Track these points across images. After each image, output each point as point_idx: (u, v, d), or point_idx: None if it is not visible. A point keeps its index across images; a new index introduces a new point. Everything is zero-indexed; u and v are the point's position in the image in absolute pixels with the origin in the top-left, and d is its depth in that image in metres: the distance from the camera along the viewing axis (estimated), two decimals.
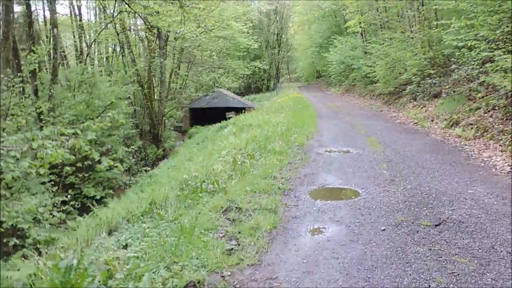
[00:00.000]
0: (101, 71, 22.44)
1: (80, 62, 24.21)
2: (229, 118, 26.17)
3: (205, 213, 5.97)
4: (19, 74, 16.83)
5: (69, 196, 16.46)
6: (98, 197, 16.35)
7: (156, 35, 25.83)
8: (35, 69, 17.71)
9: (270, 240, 5.05)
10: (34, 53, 14.10)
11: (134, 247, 4.91)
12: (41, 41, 17.93)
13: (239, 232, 5.24)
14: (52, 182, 16.14)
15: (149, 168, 19.73)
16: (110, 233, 6.43)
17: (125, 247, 5.16)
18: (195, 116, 36.25)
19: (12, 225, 10.56)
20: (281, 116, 18.72)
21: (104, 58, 31.13)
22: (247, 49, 38.91)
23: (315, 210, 6.20)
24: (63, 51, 26.28)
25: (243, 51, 38.14)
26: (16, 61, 17.49)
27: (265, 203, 6.29)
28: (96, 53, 31.55)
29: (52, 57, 17.30)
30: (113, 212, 8.45)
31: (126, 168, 21.97)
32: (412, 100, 20.33)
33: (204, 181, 7.80)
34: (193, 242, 4.80)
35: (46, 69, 20.03)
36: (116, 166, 18.29)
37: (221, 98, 33.85)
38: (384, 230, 5.31)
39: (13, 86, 12.76)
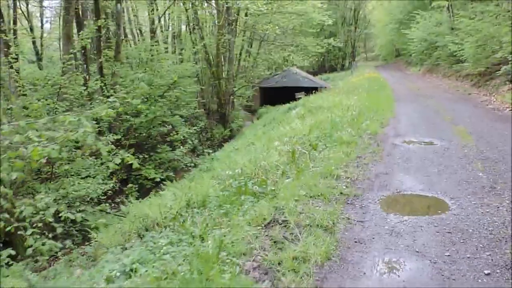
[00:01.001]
0: (166, 48, 21.50)
1: (151, 39, 23.63)
2: (299, 98, 24.53)
3: (242, 226, 4.58)
4: (82, 51, 16.39)
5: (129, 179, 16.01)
6: (157, 179, 15.52)
7: (224, 11, 24.56)
8: (100, 45, 17.17)
9: (319, 280, 3.57)
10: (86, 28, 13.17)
11: (134, 278, 3.65)
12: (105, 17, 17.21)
13: (279, 263, 3.79)
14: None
15: (210, 151, 18.66)
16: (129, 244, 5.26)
17: (131, 273, 3.92)
18: (265, 95, 34.90)
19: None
20: (353, 98, 16.85)
21: (171, 36, 30.40)
22: (321, 25, 36.73)
23: (387, 230, 4.60)
24: (140, 28, 25.80)
25: (316, 28, 36.02)
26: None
27: (321, 216, 4.77)
28: (170, 30, 30.86)
29: (116, 33, 16.57)
30: (150, 208, 7.35)
31: (190, 149, 21.21)
32: (507, 82, 17.61)
33: (252, 178, 6.42)
34: (211, 278, 3.44)
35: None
36: (179, 147, 17.71)
37: (292, 77, 32.13)
38: (489, 274, 3.64)
39: (64, 63, 12.06)
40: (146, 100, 16.38)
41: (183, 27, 30.63)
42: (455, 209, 5.18)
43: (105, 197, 13.49)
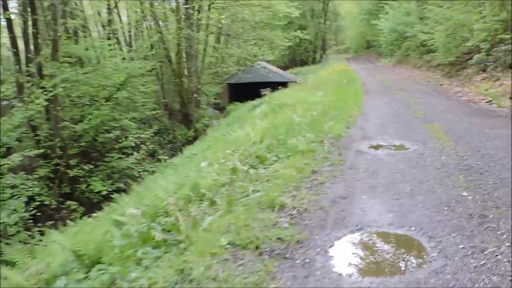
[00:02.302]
0: (112, 44, 19.50)
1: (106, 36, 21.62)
2: (264, 95, 22.89)
3: None
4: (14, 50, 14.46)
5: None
6: (104, 192, 13.71)
7: (182, 3, 22.74)
8: (37, 42, 15.18)
9: None
10: None
11: None
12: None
13: None
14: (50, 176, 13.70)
15: (166, 157, 16.86)
16: None
17: None
18: (234, 92, 33.14)
19: None
20: (319, 93, 15.30)
21: (126, 32, 28.38)
22: (289, 18, 35.08)
23: None
24: (84, 22, 23.65)
25: (284, 21, 34.36)
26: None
27: (241, 285, 3.14)
28: (124, 24, 28.83)
29: (52, 29, 14.63)
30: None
31: (150, 153, 19.41)
32: (480, 72, 16.31)
33: (167, 214, 4.74)
34: None
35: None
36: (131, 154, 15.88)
37: (261, 72, 30.39)
38: None
39: None
40: (90, 103, 14.53)
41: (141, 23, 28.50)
42: (436, 259, 3.59)
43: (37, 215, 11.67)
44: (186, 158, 15.04)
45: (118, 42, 26.32)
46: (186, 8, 23.43)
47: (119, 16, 28.88)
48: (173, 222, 4.47)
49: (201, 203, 5.07)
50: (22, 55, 15.14)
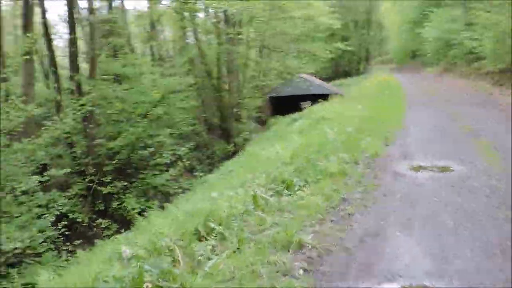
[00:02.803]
0: (152, 60, 19.38)
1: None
2: (303, 108, 22.15)
3: None
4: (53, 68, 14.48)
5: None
6: (137, 209, 13.37)
7: (223, 18, 22.48)
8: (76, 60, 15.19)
9: None
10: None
11: None
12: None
13: None
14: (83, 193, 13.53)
15: (202, 173, 16.42)
16: None
17: None
18: (275, 105, 32.54)
19: None
20: (359, 107, 14.44)
21: (170, 48, 28.44)
22: (331, 30, 34.26)
23: None
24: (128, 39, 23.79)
25: (326, 33, 33.55)
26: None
27: None
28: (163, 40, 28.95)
29: (90, 48, 14.61)
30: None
31: (188, 169, 19.08)
32: None
33: (170, 253, 4.15)
34: None
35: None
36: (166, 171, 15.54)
37: (303, 84, 29.63)
38: None
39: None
40: (125, 120, 14.33)
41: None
42: None
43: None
44: (221, 175, 14.55)
45: (161, 58, 26.43)
46: (226, 22, 23.17)
47: (163, 32, 29.14)
48: (173, 264, 3.87)
49: (210, 238, 4.44)
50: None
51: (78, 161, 13.98)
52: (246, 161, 13.45)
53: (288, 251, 4.02)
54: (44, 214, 10.09)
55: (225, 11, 21.57)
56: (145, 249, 4.16)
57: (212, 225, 4.57)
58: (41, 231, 9.57)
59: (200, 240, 4.41)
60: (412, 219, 4.81)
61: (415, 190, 5.90)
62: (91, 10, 14.42)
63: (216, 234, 4.50)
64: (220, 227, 4.59)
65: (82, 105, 11.03)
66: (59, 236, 11.43)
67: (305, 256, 3.93)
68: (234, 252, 4.08)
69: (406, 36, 41.92)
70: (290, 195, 5.95)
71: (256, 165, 9.08)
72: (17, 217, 9.04)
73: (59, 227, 10.37)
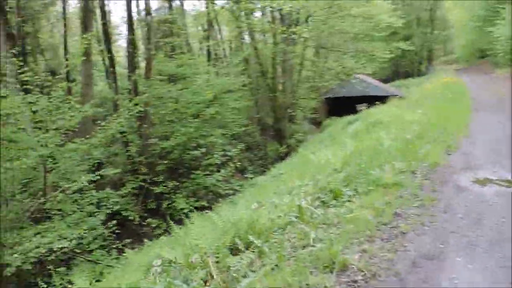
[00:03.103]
0: (208, 60, 19.37)
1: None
2: (360, 110, 21.47)
3: None
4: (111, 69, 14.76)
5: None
6: (186, 209, 13.37)
7: (279, 18, 22.21)
8: (133, 61, 15.46)
9: None
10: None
11: None
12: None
13: None
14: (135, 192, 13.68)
15: (251, 175, 16.24)
16: None
17: None
18: (331, 107, 31.92)
19: None
20: (419, 111, 13.69)
21: (227, 48, 28.49)
22: (392, 28, 33.07)
23: None
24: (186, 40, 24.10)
25: (386, 31, 32.39)
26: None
27: None
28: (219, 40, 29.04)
29: (146, 48, 14.78)
30: None
31: (239, 170, 18.98)
32: None
33: (200, 265, 3.93)
34: None
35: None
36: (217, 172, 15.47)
37: (360, 85, 28.81)
38: None
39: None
40: (176, 120, 14.40)
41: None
42: None
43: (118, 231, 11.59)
44: (272, 177, 14.29)
45: (216, 58, 26.58)
46: (282, 21, 22.88)
47: (219, 31, 29.29)
48: (206, 278, 3.65)
49: (248, 252, 4.18)
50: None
51: (133, 160, 14.18)
52: (296, 164, 13.12)
53: (331, 272, 3.68)
54: (95, 212, 10.22)
55: (280, 10, 21.26)
56: (178, 263, 3.96)
57: (251, 238, 4.31)
58: (92, 229, 9.70)
59: (237, 254, 4.16)
60: (475, 243, 4.31)
61: (480, 207, 5.35)
62: (147, 11, 14.58)
63: (254, 248, 4.24)
64: (259, 240, 4.32)
65: (136, 104, 11.08)
66: (110, 233, 11.65)
67: (349, 280, 3.58)
68: (272, 269, 3.80)
69: (473, 35, 39.71)
70: (337, 206, 5.60)
71: (305, 170, 8.74)
72: (70, 215, 9.19)
73: (110, 225, 10.45)
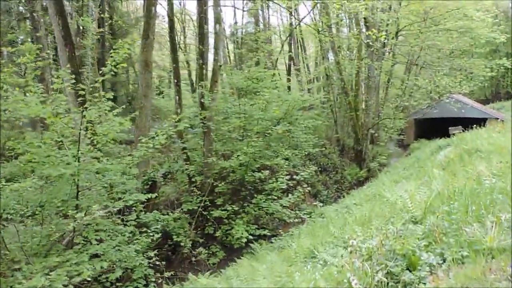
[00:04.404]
0: (288, 75, 17.78)
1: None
2: (453, 134, 18.62)
3: None
4: (175, 81, 13.70)
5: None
6: (244, 238, 11.76)
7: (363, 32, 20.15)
8: (202, 73, 14.31)
9: None
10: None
11: None
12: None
13: None
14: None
15: (322, 204, 14.26)
16: None
17: None
18: (420, 128, 28.95)
19: None
20: None
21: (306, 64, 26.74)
22: (493, 45, 29.41)
23: None
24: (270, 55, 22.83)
25: (486, 48, 28.76)
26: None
27: None
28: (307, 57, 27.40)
29: (213, 59, 13.53)
30: None
31: (312, 194, 17.14)
32: None
33: None
34: None
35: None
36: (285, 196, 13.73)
37: (454, 106, 25.56)
38: None
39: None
40: (240, 138, 12.94)
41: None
42: None
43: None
44: (343, 208, 12.26)
45: (298, 74, 25.05)
46: (368, 35, 20.78)
47: (302, 47, 27.78)
48: None
49: None
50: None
51: (191, 180, 12.93)
52: (368, 196, 11.05)
53: None
54: (133, 239, 8.91)
55: (366, 22, 19.22)
56: None
57: None
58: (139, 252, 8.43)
59: None
60: None
61: None
62: (217, 20, 13.38)
63: None
64: None
65: (203, 118, 9.67)
66: (158, 261, 10.37)
67: None
68: None
69: None
70: (411, 284, 3.64)
71: (373, 214, 6.77)
72: (99, 243, 7.89)
73: (155, 253, 9.15)
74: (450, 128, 21.18)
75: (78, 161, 7.35)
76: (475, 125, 17.85)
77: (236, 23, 31.16)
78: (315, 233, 8.48)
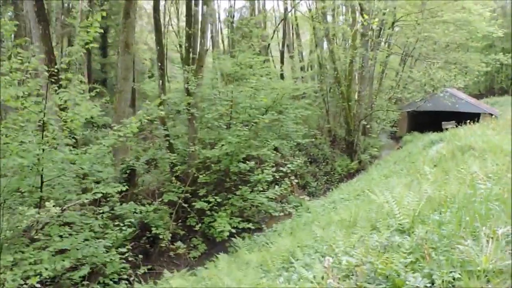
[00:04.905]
0: (281, 63, 17.03)
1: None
2: (446, 129, 18.07)
3: None
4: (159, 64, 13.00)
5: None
6: (226, 232, 11.19)
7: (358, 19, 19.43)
8: (188, 57, 13.58)
9: None
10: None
11: None
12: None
13: None
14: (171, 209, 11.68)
15: (307, 197, 13.70)
16: None
17: None
18: (413, 121, 28.40)
19: None
20: None
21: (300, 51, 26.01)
22: (490, 40, 28.76)
23: None
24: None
25: (482, 42, 28.10)
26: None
27: None
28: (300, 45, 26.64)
29: (199, 42, 12.78)
30: None
31: (302, 186, 16.58)
32: None
33: None
34: None
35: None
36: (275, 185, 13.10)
37: (448, 100, 24.94)
38: None
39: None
40: (225, 127, 12.29)
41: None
42: None
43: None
44: (330, 203, 11.70)
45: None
46: (363, 24, 20.06)
47: (296, 34, 27.01)
48: None
49: None
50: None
51: (173, 169, 12.29)
52: (357, 191, 10.48)
53: None
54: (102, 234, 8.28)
55: (362, 10, 18.48)
56: None
57: None
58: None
59: None
60: None
61: None
62: (204, 2, 12.63)
63: None
64: None
65: (188, 104, 8.99)
66: (134, 255, 9.80)
67: None
68: None
69: None
70: None
71: (359, 214, 6.19)
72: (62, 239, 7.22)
73: (129, 247, 8.57)
74: (443, 122, 20.66)
75: (42, 150, 6.70)
76: (468, 120, 17.26)
77: (231, 7, 30.20)
78: (297, 233, 7.92)
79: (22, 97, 6.54)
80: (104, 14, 6.85)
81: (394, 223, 4.96)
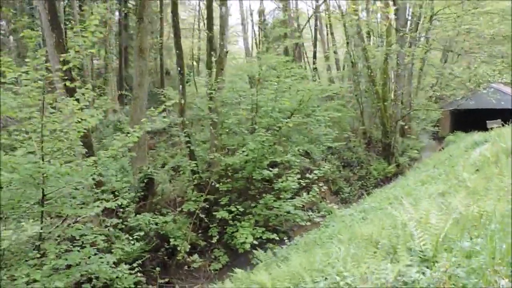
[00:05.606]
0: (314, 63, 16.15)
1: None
2: (491, 129, 16.61)
3: None
4: (179, 69, 12.50)
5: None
6: (248, 243, 10.50)
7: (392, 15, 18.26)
8: (210, 61, 13.03)
9: None
10: None
11: None
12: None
13: None
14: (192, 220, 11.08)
15: (336, 206, 12.76)
16: None
17: None
18: (457, 119, 26.65)
19: None
20: None
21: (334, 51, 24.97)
22: None
23: None
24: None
25: None
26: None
27: None
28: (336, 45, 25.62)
29: (218, 44, 12.16)
30: None
31: (334, 191, 15.69)
32: None
33: None
34: None
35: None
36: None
37: (492, 97, 23.08)
38: None
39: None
40: (246, 133, 11.63)
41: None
42: None
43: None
44: (360, 212, 10.76)
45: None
46: (398, 18, 18.87)
47: (330, 34, 26.05)
48: None
49: None
50: None
51: (196, 177, 11.74)
52: (390, 200, 9.51)
53: None
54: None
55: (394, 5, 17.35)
56: None
57: None
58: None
59: None
60: None
61: None
62: (222, 3, 12.05)
63: None
64: None
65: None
66: (152, 268, 9.33)
67: None
68: None
69: None
70: None
71: (381, 233, 5.34)
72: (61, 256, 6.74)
73: (139, 263, 8.02)
74: (488, 121, 19.12)
75: (43, 161, 6.27)
76: None
77: (262, 8, 29.61)
78: (314, 249, 7.13)
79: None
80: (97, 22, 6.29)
81: (415, 250, 4.11)
